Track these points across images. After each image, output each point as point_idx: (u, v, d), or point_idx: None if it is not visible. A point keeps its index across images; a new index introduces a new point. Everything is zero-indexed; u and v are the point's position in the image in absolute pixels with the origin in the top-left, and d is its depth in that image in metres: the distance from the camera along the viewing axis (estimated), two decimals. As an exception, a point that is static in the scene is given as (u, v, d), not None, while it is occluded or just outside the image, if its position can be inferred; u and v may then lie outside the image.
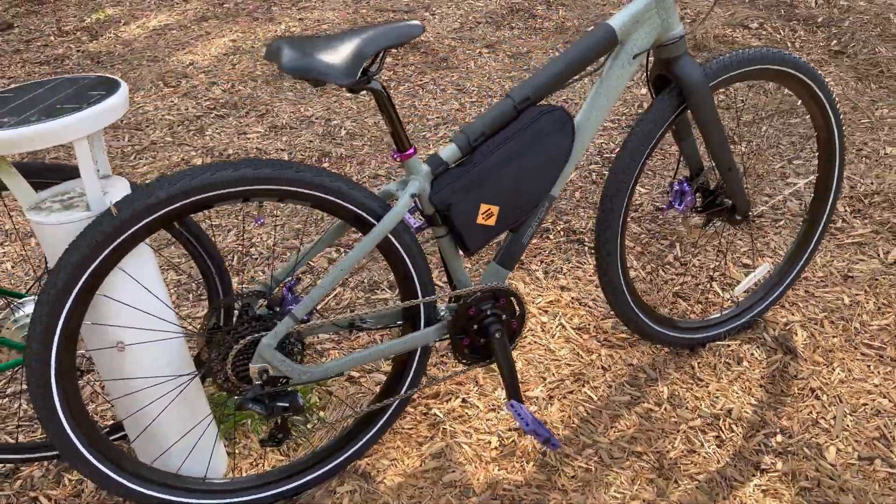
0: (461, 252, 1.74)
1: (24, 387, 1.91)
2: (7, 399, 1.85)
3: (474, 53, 3.59)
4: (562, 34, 3.72)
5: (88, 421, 1.31)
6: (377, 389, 1.83)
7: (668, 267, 2.21)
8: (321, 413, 1.77)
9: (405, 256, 1.42)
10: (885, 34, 3.45)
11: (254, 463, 1.66)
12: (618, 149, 2.76)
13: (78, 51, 3.95)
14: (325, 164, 2.75)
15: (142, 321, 1.31)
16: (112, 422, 1.74)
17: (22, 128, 1.07)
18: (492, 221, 1.44)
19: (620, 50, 1.46)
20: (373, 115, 3.12)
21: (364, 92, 3.12)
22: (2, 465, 1.68)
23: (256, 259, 2.32)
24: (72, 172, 1.33)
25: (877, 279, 2.08)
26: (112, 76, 1.27)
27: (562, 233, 2.36)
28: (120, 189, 1.27)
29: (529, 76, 1.44)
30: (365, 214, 1.35)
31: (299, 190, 1.28)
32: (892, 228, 2.26)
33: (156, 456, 1.47)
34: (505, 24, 3.90)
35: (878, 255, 2.17)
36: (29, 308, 1.45)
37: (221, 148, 2.92)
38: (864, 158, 2.60)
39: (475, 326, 1.51)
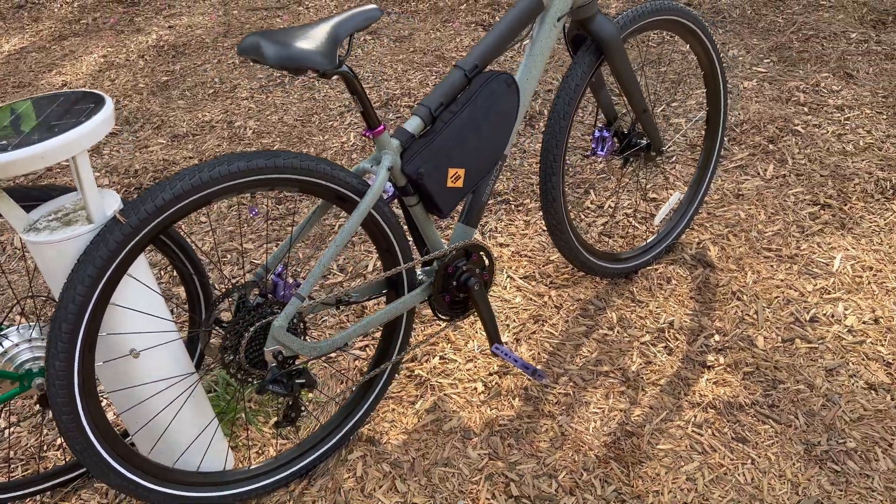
0: (434, 217, 1.86)
1: (9, 422, 1.84)
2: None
3: (359, 42, 3.67)
4: (438, 14, 3.88)
5: (113, 433, 1.33)
6: (357, 365, 1.92)
7: (587, 211, 2.43)
8: (310, 395, 1.84)
9: (385, 227, 1.53)
10: (720, -16, 3.88)
11: (259, 452, 1.71)
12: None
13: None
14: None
15: (149, 325, 1.34)
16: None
17: (29, 147, 1.08)
18: (460, 184, 1.57)
19: (545, 15, 1.63)
20: (273, 112, 3.14)
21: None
22: (-4, 507, 1.63)
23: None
24: (51, 192, 1.33)
25: (762, 193, 2.40)
26: (92, 90, 1.28)
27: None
28: (110, 201, 1.29)
29: (473, 46, 1.58)
30: (349, 193, 1.45)
31: (291, 177, 1.35)
32: (765, 149, 2.61)
33: (171, 460, 1.50)
34: (382, 10, 4.00)
35: (759, 174, 2.50)
36: (13, 339, 1.43)
37: (126, 165, 2.85)
38: (728, 94, 2.95)
39: (454, 283, 1.65)
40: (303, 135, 2.95)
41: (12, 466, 1.75)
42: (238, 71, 3.52)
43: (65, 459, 1.74)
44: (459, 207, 2.42)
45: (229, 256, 2.35)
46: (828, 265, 2.10)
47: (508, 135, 1.61)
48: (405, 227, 2.21)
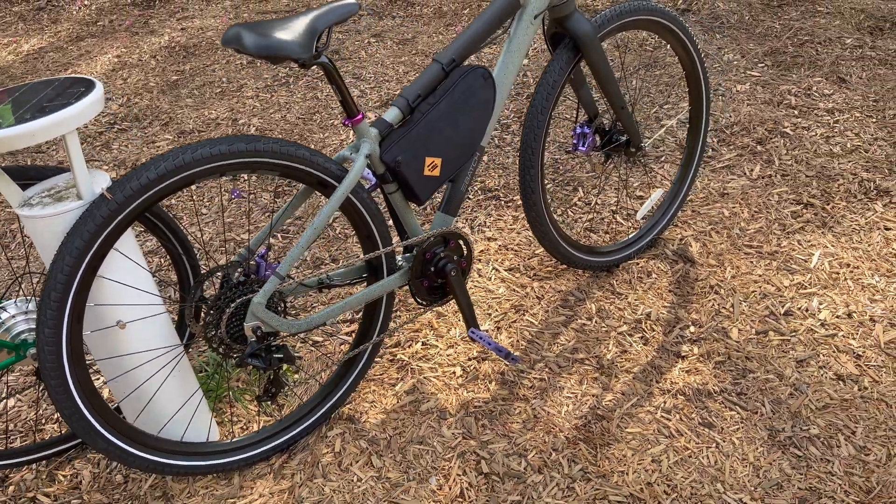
0: (412, 204, 1.93)
1: (8, 393, 1.93)
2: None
3: (363, 44, 3.77)
4: (441, 18, 3.96)
5: (100, 399, 1.41)
6: (342, 350, 1.99)
7: (575, 208, 2.49)
8: (295, 376, 1.92)
9: (364, 213, 1.60)
10: (721, -9, 3.93)
11: (243, 427, 1.79)
12: (526, 105, 3.03)
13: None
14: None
15: (135, 299, 1.43)
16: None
17: (21, 125, 1.17)
18: (437, 172, 1.64)
19: (523, 12, 1.70)
20: (277, 110, 3.24)
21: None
22: (-7, 473, 1.72)
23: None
24: (46, 172, 1.42)
25: (747, 192, 2.45)
26: (84, 76, 1.37)
27: (479, 192, 2.60)
28: (100, 180, 1.38)
29: (451, 41, 1.65)
30: (327, 178, 1.52)
31: (270, 161, 1.43)
32: (753, 150, 2.65)
33: (156, 429, 1.58)
34: (387, 14, 4.10)
35: (746, 174, 2.55)
36: (10, 311, 1.52)
37: (133, 159, 2.95)
38: (720, 97, 3.00)
39: (432, 269, 1.72)
40: (304, 132, 3.04)
41: (11, 438, 1.84)
42: (245, 71, 3.63)
43: (60, 431, 1.83)
44: (439, 197, 2.51)
45: (215, 239, 2.44)
46: (806, 262, 2.14)
47: (484, 127, 1.68)
48: (386, 215, 2.29)
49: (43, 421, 1.87)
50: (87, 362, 1.94)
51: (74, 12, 4.62)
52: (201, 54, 3.85)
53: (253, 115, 3.21)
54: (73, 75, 1.33)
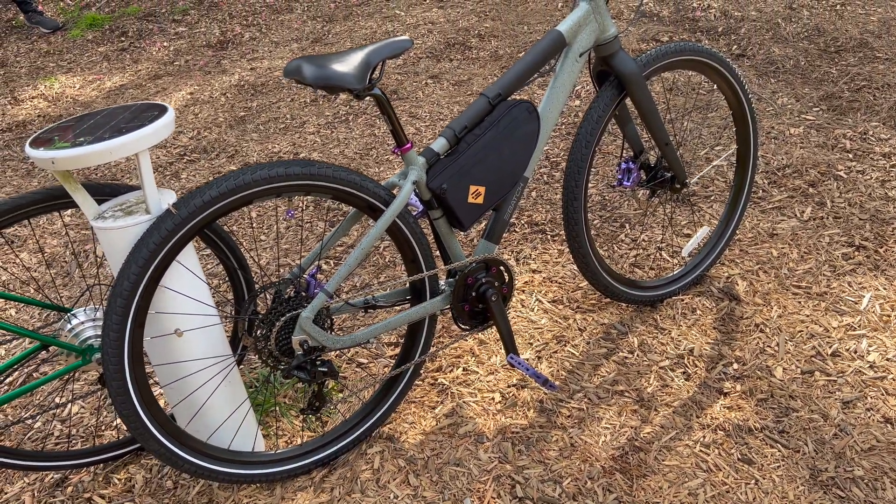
0: (455, 230, 2.00)
1: (70, 395, 2.06)
2: (57, 409, 2.00)
3: (421, 84, 3.91)
4: (497, 61, 4.08)
5: (155, 403, 1.50)
6: (385, 371, 2.05)
7: (621, 244, 2.52)
8: (339, 395, 1.98)
9: (410, 237, 1.68)
10: (776, 37, 3.94)
11: (287, 441, 1.85)
12: (571, 141, 3.09)
13: (39, 115, 4.09)
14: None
15: (194, 309, 1.52)
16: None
17: (99, 144, 1.29)
18: (480, 200, 1.71)
19: (568, 50, 1.78)
20: (336, 145, 3.38)
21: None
22: (54, 472, 1.82)
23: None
24: (120, 189, 1.55)
25: (797, 234, 2.44)
26: (158, 102, 1.50)
27: (526, 225, 2.65)
28: (167, 197, 1.49)
29: (498, 77, 1.73)
30: (376, 202, 1.60)
31: (323, 184, 1.52)
32: (804, 192, 2.64)
33: (205, 436, 1.66)
34: (444, 58, 4.24)
35: (796, 215, 2.53)
36: (80, 317, 1.64)
37: (199, 187, 3.12)
38: (773, 140, 3.00)
39: (473, 293, 1.77)
40: (360, 166, 3.16)
41: (73, 442, 1.95)
42: (308, 109, 3.80)
43: (118, 437, 1.93)
44: (483, 224, 2.58)
45: (272, 263, 2.55)
46: (856, 303, 2.11)
47: (528, 159, 1.74)
48: (432, 242, 2.36)
49: (103, 427, 1.98)
50: (147, 372, 2.05)
51: (154, 53, 4.93)
52: (268, 92, 4.06)
53: (313, 150, 3.36)
54: (147, 101, 1.46)
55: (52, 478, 1.83)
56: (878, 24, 3.94)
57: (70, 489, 1.80)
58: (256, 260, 2.63)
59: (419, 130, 3.43)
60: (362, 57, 1.48)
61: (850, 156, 2.82)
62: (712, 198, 2.70)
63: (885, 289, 2.15)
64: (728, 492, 1.61)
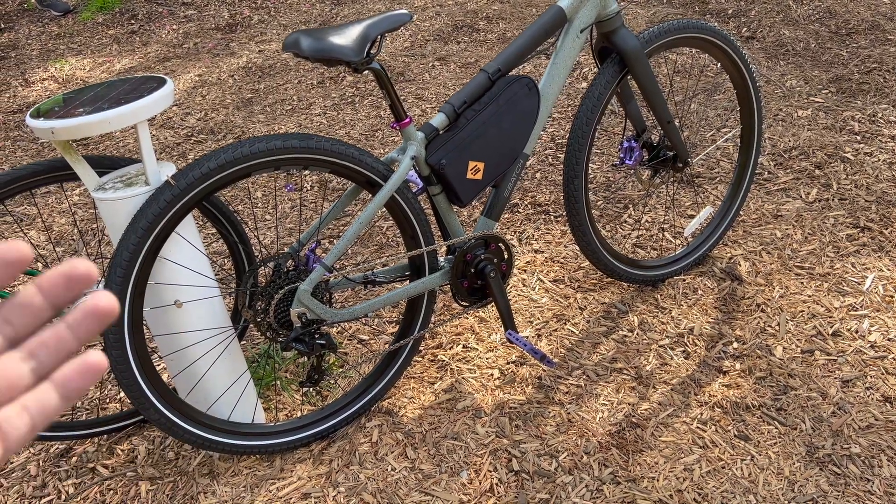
0: (454, 206, 2.00)
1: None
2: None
3: (427, 66, 3.90)
4: (505, 43, 4.07)
5: (155, 373, 1.52)
6: (385, 347, 2.07)
7: (624, 225, 2.51)
8: (339, 369, 2.00)
9: (409, 212, 1.68)
10: (787, 19, 3.90)
11: (287, 415, 1.87)
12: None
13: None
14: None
15: (193, 281, 1.54)
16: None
17: (98, 114, 1.31)
18: (479, 176, 1.71)
19: (569, 27, 1.77)
20: (342, 126, 3.38)
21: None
22: (59, 442, 1.85)
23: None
24: (120, 162, 1.56)
25: (802, 215, 2.42)
26: (158, 74, 1.50)
27: (529, 206, 2.65)
28: (167, 169, 1.51)
29: (498, 52, 1.73)
30: (375, 177, 1.61)
31: (321, 157, 1.53)
32: (811, 174, 2.62)
33: (205, 406, 1.68)
34: (451, 40, 4.23)
35: (801, 196, 2.52)
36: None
37: (206, 168, 3.14)
38: (780, 122, 2.97)
39: (472, 270, 1.78)
40: (365, 147, 3.17)
41: (77, 414, 1.98)
42: (315, 91, 3.81)
43: (121, 409, 1.96)
44: (482, 200, 2.58)
45: (271, 236, 2.56)
46: (859, 284, 2.10)
47: (527, 135, 1.74)
48: (431, 218, 2.37)
49: (107, 400, 2.01)
50: (148, 346, 2.07)
51: (163, 35, 4.94)
52: (275, 74, 4.07)
53: (319, 131, 3.37)
54: (147, 74, 1.47)
55: (57, 448, 1.86)
56: (891, 7, 3.88)
57: (74, 459, 1.83)
58: (258, 238, 2.65)
59: (425, 112, 3.43)
60: (361, 30, 1.48)
61: (858, 138, 2.79)
62: (717, 179, 2.69)
63: (888, 270, 2.13)
64: (724, 467, 1.62)
